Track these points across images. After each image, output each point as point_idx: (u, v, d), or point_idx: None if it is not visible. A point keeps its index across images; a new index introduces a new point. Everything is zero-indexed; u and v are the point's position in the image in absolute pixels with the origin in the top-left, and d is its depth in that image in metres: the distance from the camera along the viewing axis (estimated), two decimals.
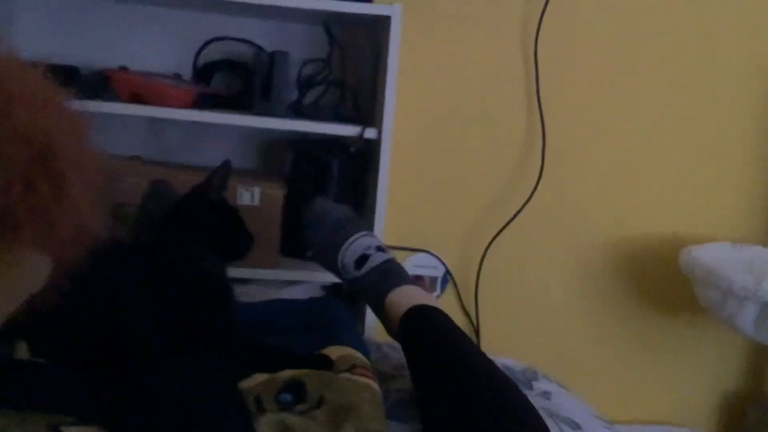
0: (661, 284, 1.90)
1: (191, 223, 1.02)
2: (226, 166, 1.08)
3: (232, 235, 1.07)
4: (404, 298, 1.10)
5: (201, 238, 1.01)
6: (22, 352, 0.86)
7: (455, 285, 1.86)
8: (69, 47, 1.64)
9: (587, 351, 1.94)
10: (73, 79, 1.51)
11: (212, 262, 1.02)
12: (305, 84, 1.69)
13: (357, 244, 1.17)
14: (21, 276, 0.58)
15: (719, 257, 1.62)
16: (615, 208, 1.88)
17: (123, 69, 1.55)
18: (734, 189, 1.90)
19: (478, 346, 1.01)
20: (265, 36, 1.68)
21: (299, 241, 1.59)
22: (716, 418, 2.01)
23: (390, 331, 1.14)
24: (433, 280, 1.85)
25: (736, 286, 1.48)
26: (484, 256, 1.83)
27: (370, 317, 1.56)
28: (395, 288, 1.12)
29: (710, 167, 1.88)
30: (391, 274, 1.14)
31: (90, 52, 1.64)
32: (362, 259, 1.16)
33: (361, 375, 1.09)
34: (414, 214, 1.81)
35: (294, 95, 1.67)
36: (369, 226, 1.56)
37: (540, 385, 1.28)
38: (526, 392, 1.24)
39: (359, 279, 1.16)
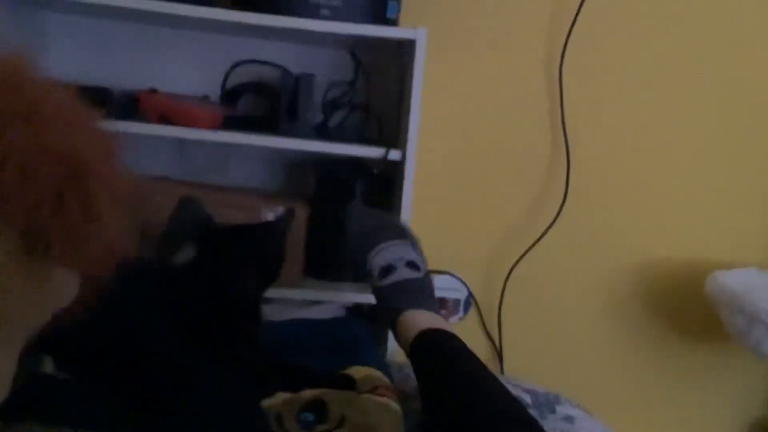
0: (687, 310, 1.88)
1: (246, 256, 1.02)
2: (293, 211, 1.10)
3: (267, 274, 1.08)
4: (414, 322, 1.06)
5: (248, 272, 1.02)
6: (47, 367, 0.87)
7: (478, 308, 1.86)
8: (100, 69, 1.67)
9: (611, 376, 1.92)
10: (104, 100, 1.54)
11: (250, 289, 1.03)
12: (330, 106, 1.71)
13: (388, 252, 1.14)
14: (50, 292, 0.59)
15: (745, 283, 1.60)
16: (640, 233, 1.86)
17: (152, 91, 1.58)
18: (761, 214, 1.88)
19: (491, 373, 0.97)
20: (292, 59, 1.70)
21: (324, 259, 1.60)
22: None
23: (404, 350, 1.11)
24: (456, 302, 1.84)
25: (763, 312, 1.46)
26: (507, 279, 1.83)
27: (392, 338, 1.55)
28: (409, 310, 1.07)
29: (737, 192, 1.86)
30: (411, 294, 1.09)
31: (120, 74, 1.67)
32: (387, 270, 1.12)
33: (384, 396, 1.09)
34: (437, 236, 1.81)
35: (319, 117, 1.69)
36: None
37: (563, 409, 1.28)
38: (549, 416, 1.23)
39: (378, 289, 1.13)
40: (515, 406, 0.88)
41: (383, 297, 1.12)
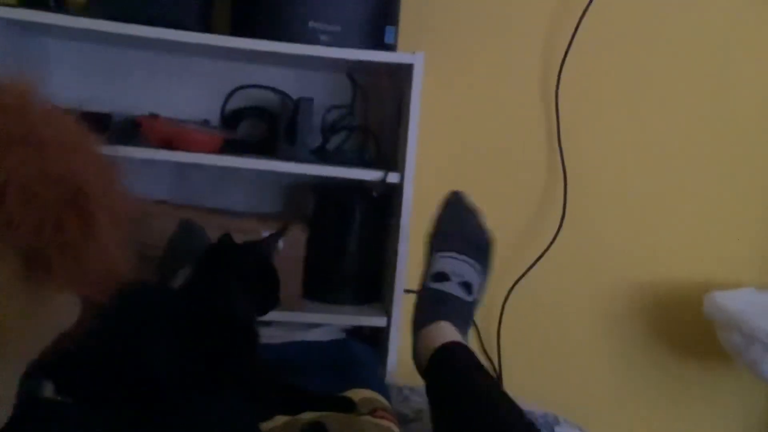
0: (685, 329, 1.88)
1: (232, 273, 1.03)
2: (284, 229, 1.11)
3: (264, 294, 1.08)
4: (440, 333, 1.08)
5: (236, 288, 1.02)
6: (48, 391, 0.88)
7: (477, 329, 1.86)
8: (102, 94, 1.69)
9: (609, 396, 1.92)
10: (105, 125, 1.56)
11: (242, 307, 1.03)
12: (329, 129, 1.72)
13: (453, 264, 1.16)
14: (50, 315, 0.59)
15: (743, 303, 1.61)
16: (638, 253, 1.87)
17: (153, 116, 1.59)
18: (758, 234, 1.88)
19: (503, 390, 0.98)
20: (291, 83, 1.72)
21: (323, 281, 1.61)
22: None
23: (415, 359, 1.12)
24: None
25: (760, 332, 1.46)
26: (506, 300, 1.83)
27: (392, 360, 1.56)
28: (440, 321, 1.10)
29: (735, 211, 1.87)
30: (449, 308, 1.11)
31: (122, 100, 1.69)
32: (441, 276, 1.14)
33: (382, 418, 1.09)
34: None
35: (318, 140, 1.70)
36: (391, 270, 1.58)
37: (562, 430, 1.27)
38: None
39: (425, 288, 1.15)
40: (525, 420, 0.91)
41: (424, 298, 1.14)
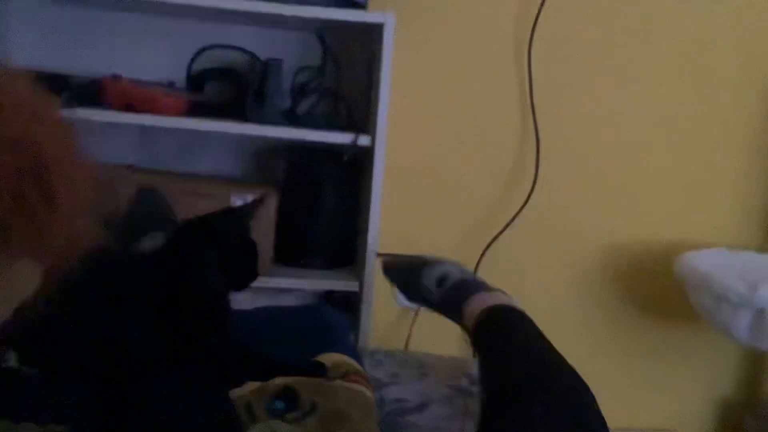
0: (657, 291, 1.90)
1: (208, 242, 1.01)
2: (263, 199, 1.09)
3: (243, 267, 1.06)
4: (480, 302, 1.10)
5: (212, 258, 1.00)
6: (12, 361, 0.86)
7: None
8: (63, 56, 1.64)
9: (581, 358, 1.91)
10: (63, 87, 1.51)
11: (216, 280, 1.01)
12: (299, 92, 1.69)
13: (438, 269, 1.18)
14: (9, 283, 0.58)
15: (713, 263, 1.62)
16: (610, 215, 1.88)
17: (116, 77, 1.55)
18: (729, 194, 1.90)
19: (553, 347, 1.02)
20: (259, 43, 1.68)
21: (294, 245, 1.60)
22: (712, 426, 2.01)
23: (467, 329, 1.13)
24: None
25: (730, 292, 1.48)
26: (478, 263, 1.83)
27: (365, 324, 1.55)
28: (473, 295, 1.11)
29: (705, 173, 1.89)
30: (469, 284, 1.14)
31: (83, 61, 1.64)
32: (442, 279, 1.16)
33: (354, 381, 1.09)
34: (408, 222, 1.81)
35: (287, 103, 1.67)
36: (363, 233, 1.57)
37: None
38: None
39: (439, 298, 1.16)
40: (563, 362, 0.96)
41: (446, 300, 1.15)
